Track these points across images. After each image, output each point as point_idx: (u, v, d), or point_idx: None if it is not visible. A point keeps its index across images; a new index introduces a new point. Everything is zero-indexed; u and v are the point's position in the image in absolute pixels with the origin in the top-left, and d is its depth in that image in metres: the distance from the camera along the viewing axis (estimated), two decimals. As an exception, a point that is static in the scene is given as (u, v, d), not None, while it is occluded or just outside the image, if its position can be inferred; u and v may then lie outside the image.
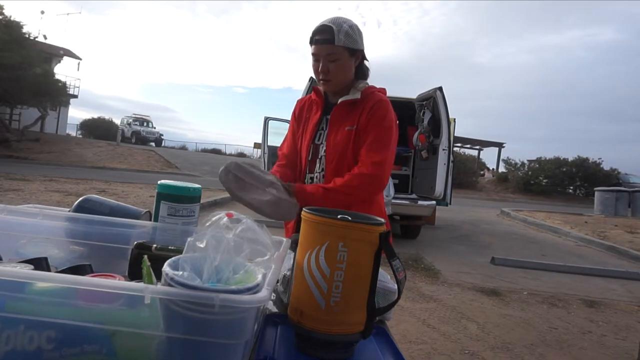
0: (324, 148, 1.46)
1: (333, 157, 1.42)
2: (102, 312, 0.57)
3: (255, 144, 23.36)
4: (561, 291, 4.59)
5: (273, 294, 0.96)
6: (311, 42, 1.39)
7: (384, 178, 1.36)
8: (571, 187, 23.40)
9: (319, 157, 1.48)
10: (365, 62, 1.47)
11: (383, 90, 1.48)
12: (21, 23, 16.06)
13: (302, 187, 1.35)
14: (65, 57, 24.38)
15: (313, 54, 1.40)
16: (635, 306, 4.30)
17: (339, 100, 1.44)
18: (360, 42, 1.40)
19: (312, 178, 1.49)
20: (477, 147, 26.89)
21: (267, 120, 7.01)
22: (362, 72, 1.47)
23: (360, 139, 1.40)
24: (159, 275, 0.61)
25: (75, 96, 25.19)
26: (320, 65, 1.38)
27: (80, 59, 25.57)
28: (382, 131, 1.38)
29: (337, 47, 1.34)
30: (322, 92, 1.52)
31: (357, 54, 1.41)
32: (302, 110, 1.58)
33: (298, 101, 1.63)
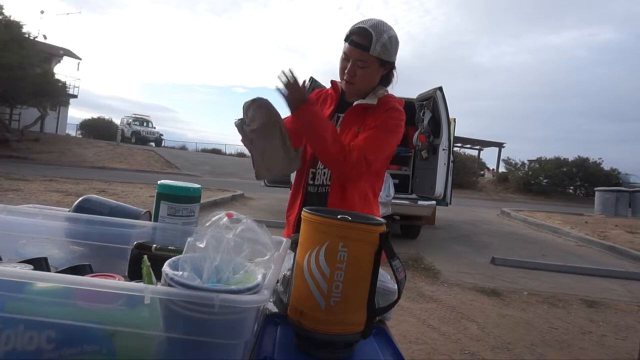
0: None
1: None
2: (102, 312, 0.57)
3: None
4: (561, 291, 4.59)
5: (273, 294, 0.96)
6: (346, 40, 1.36)
7: (363, 175, 1.36)
8: (571, 187, 23.41)
9: None
10: (394, 71, 1.45)
11: (400, 101, 1.46)
12: (21, 23, 16.06)
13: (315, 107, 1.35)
14: (65, 57, 24.36)
15: (344, 52, 1.37)
16: (635, 306, 4.30)
17: (355, 103, 1.43)
18: (395, 54, 1.39)
19: (313, 172, 1.49)
20: (477, 147, 26.89)
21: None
22: (387, 79, 1.46)
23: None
24: (159, 275, 0.61)
25: (75, 96, 25.16)
26: (349, 66, 1.36)
27: (80, 59, 25.57)
28: (383, 133, 1.37)
29: (370, 56, 1.32)
30: (340, 88, 1.51)
31: (388, 65, 1.40)
32: (317, 102, 1.55)
33: (315, 91, 1.62)
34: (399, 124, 1.41)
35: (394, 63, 1.41)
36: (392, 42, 1.35)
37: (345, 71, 1.37)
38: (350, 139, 1.40)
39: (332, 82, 1.53)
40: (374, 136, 1.36)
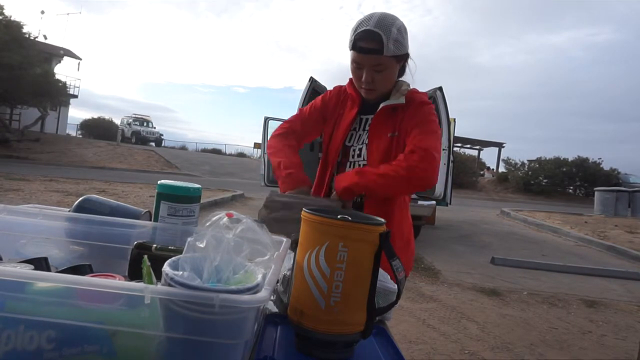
0: (356, 151, 1.37)
1: (375, 165, 1.29)
2: (102, 312, 0.57)
3: (255, 144, 23.43)
4: (561, 291, 4.59)
5: (273, 294, 0.96)
6: (353, 48, 1.22)
7: (438, 159, 1.21)
8: (571, 187, 23.44)
9: (350, 160, 1.38)
10: (409, 59, 1.33)
11: (425, 94, 1.37)
12: (21, 23, 16.08)
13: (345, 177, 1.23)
14: (65, 57, 24.39)
15: (355, 61, 1.25)
16: (635, 306, 4.30)
17: (382, 105, 1.32)
18: (407, 43, 1.25)
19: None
20: (477, 147, 26.91)
21: (267, 120, 7.00)
22: (402, 70, 1.35)
23: (404, 140, 1.28)
24: (159, 275, 0.61)
25: (75, 96, 25.19)
26: (365, 74, 1.25)
27: (80, 59, 25.60)
28: (428, 125, 1.27)
29: (384, 58, 1.21)
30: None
31: (403, 57, 1.29)
32: (337, 102, 1.43)
33: (335, 87, 1.48)
34: (435, 118, 1.32)
35: (408, 53, 1.29)
36: (402, 33, 1.21)
37: (362, 79, 1.27)
38: (385, 146, 1.30)
39: (351, 80, 1.39)
40: (422, 131, 1.24)
